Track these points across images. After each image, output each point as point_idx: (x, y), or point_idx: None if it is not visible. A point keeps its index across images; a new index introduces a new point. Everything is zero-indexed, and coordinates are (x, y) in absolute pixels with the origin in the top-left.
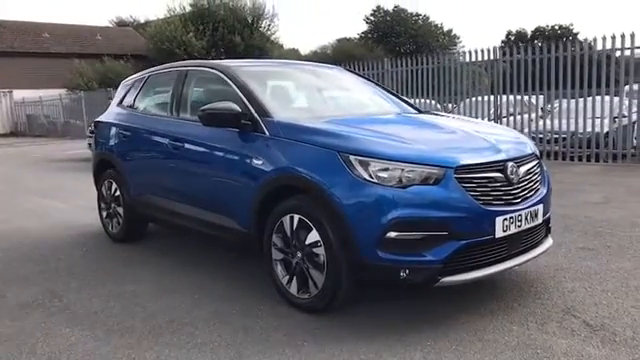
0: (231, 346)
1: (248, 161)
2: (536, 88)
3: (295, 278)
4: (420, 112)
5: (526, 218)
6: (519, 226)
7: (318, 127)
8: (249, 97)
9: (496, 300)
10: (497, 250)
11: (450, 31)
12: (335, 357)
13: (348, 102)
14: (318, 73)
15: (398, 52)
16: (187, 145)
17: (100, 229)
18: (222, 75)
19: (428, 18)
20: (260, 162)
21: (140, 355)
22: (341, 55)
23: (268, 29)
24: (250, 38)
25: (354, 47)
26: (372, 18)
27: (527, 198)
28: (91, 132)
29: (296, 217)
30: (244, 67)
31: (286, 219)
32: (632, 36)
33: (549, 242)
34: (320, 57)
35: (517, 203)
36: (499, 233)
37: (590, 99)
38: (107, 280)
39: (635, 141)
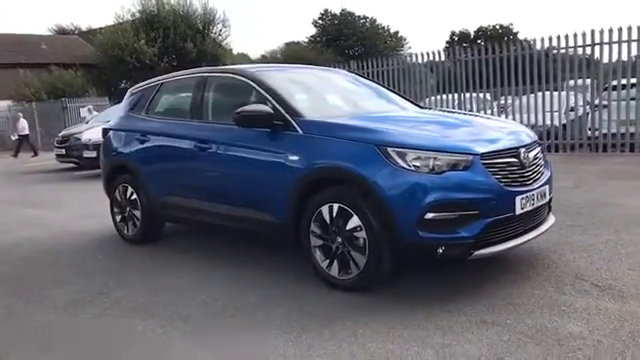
0: (292, 323)
1: (283, 158)
2: (484, 86)
3: (336, 261)
4: (426, 108)
5: (537, 197)
6: (532, 204)
7: (351, 124)
8: (278, 99)
9: (513, 272)
10: (516, 226)
11: (397, 33)
12: (388, 326)
13: (363, 101)
14: (328, 75)
15: (348, 55)
16: (215, 146)
17: (111, 233)
18: (247, 80)
19: (375, 21)
20: (296, 158)
21: (211, 336)
22: (291, 59)
23: (220, 35)
24: (202, 44)
25: (303, 50)
26: (320, 22)
27: (536, 180)
28: (59, 143)
29: (335, 206)
30: (266, 72)
31: (325, 208)
32: (566, 37)
33: (552, 219)
34: (270, 61)
35: (530, 184)
36: (518, 210)
37: (546, 94)
38: (143, 277)
39: (589, 132)
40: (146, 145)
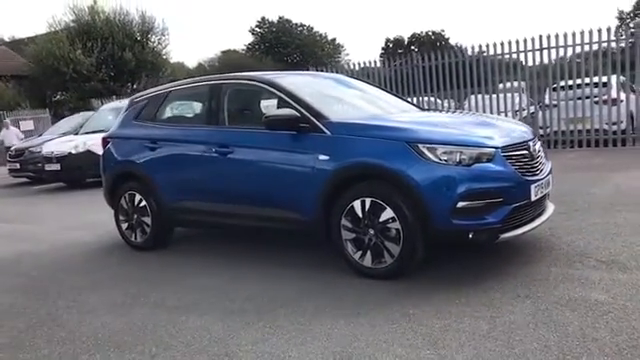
0: (343, 309)
1: (312, 158)
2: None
3: (369, 252)
4: (427, 109)
5: (545, 185)
6: (542, 192)
7: (379, 124)
8: (301, 103)
9: (523, 255)
10: (531, 211)
11: (334, 40)
12: (434, 306)
13: (374, 102)
14: (335, 79)
15: (287, 62)
16: (238, 149)
17: (108, 243)
18: (266, 86)
19: (312, 28)
20: (326, 157)
21: (275, 325)
22: (229, 67)
23: (159, 43)
24: (141, 54)
25: (242, 58)
26: (258, 29)
27: (542, 170)
28: (12, 157)
29: (368, 200)
30: (283, 78)
31: (357, 203)
32: (495, 45)
33: (552, 206)
34: (209, 71)
35: (539, 174)
36: (533, 197)
37: (493, 96)
38: (173, 279)
39: (541, 130)
40: (157, 152)
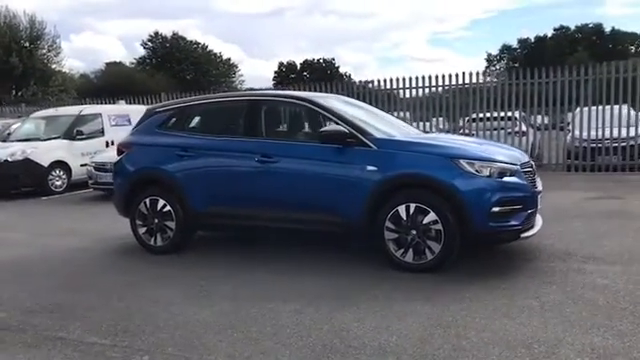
0: (406, 295)
1: (359, 168)
2: None
3: (411, 249)
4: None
5: (540, 197)
6: (541, 202)
7: (420, 141)
8: (346, 121)
9: (520, 255)
10: (535, 217)
11: (229, 60)
12: (478, 292)
13: (393, 123)
14: (345, 100)
15: (180, 78)
16: (283, 159)
17: (117, 246)
18: (310, 105)
19: (207, 47)
20: (374, 168)
21: (361, 308)
22: (119, 79)
23: (49, 51)
24: (30, 60)
25: (131, 72)
26: (150, 44)
27: (539, 185)
28: None
29: (412, 205)
30: (322, 98)
31: (401, 208)
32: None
33: (540, 217)
34: (95, 83)
35: (538, 188)
36: (538, 206)
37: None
38: (225, 274)
39: None
40: (189, 160)
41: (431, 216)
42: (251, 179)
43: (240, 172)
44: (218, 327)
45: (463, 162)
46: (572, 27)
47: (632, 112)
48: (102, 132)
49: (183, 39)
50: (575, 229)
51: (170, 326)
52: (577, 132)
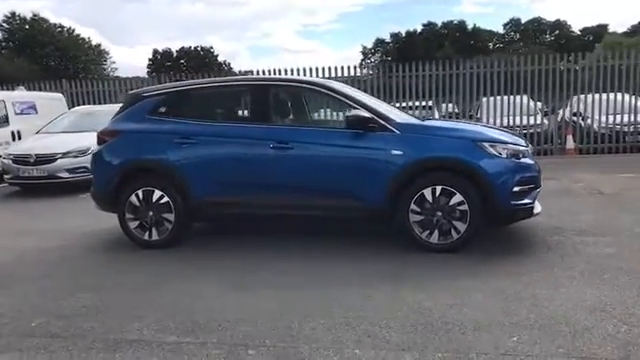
0: (440, 279)
1: (383, 153)
2: None
3: (436, 230)
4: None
5: None
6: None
7: (442, 126)
8: (366, 107)
9: (520, 232)
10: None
11: (99, 45)
12: (495, 268)
13: (391, 109)
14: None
15: (44, 64)
16: (299, 145)
17: (84, 244)
18: (325, 91)
19: (74, 30)
20: (400, 152)
21: (408, 285)
22: None
23: None
24: None
25: None
26: (6, 25)
27: None
28: None
29: (438, 187)
30: (333, 83)
31: (427, 190)
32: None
33: None
34: None
35: None
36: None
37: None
38: (250, 264)
39: None
40: (190, 147)
41: (457, 197)
42: (268, 167)
43: (254, 160)
44: (295, 315)
45: (486, 145)
46: (439, 24)
47: (531, 103)
48: (7, 121)
49: (45, 21)
50: (571, 205)
51: (243, 318)
52: (484, 120)
